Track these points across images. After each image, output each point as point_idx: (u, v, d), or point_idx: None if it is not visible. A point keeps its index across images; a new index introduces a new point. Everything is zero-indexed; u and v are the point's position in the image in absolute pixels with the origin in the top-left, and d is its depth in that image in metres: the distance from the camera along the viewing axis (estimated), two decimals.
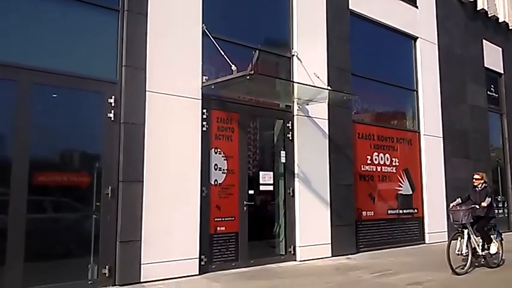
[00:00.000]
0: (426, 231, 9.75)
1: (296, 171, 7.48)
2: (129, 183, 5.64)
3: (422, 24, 10.30)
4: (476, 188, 7.20)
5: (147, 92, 5.88)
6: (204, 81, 6.47)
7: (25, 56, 5.17)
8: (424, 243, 9.66)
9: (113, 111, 5.66)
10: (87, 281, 5.29)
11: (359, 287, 5.65)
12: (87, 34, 5.70)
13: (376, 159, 9.08)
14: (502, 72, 12.90)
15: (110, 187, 5.52)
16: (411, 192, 9.69)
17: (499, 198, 12.29)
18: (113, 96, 5.68)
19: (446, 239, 9.93)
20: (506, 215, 12.41)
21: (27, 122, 5.07)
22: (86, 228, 5.53)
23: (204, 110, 6.51)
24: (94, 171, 5.58)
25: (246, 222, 6.80)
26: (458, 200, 7.13)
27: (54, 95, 5.45)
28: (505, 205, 12.47)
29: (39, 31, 5.36)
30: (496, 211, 11.79)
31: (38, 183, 5.10)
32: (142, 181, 5.72)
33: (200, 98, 6.42)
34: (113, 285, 5.39)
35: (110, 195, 5.51)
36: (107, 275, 5.38)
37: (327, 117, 8.02)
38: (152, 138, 5.85)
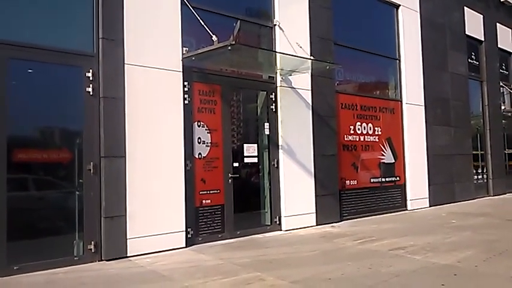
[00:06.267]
0: (408, 198, 9.96)
1: (280, 143, 7.49)
2: (111, 158, 5.57)
3: None
4: None
5: (125, 65, 5.73)
6: (184, 52, 6.33)
7: None
8: (406, 209, 9.88)
9: (91, 86, 5.51)
10: (73, 257, 5.27)
11: (343, 254, 5.78)
12: (62, 6, 5.48)
13: (359, 129, 9.13)
14: (483, 39, 12.97)
15: (91, 163, 5.44)
16: (393, 161, 9.83)
17: (478, 164, 12.59)
18: (91, 70, 5.52)
19: (428, 205, 10.28)
20: (485, 181, 12.74)
21: (3, 98, 4.90)
22: (69, 205, 5.46)
23: (186, 83, 6.39)
24: (75, 148, 5.48)
25: (231, 195, 6.82)
26: None
27: (30, 70, 5.27)
28: (484, 171, 12.79)
29: (12, 3, 5.12)
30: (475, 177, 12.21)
31: (17, 160, 4.98)
32: (125, 156, 5.64)
33: (181, 70, 6.30)
34: (99, 261, 5.40)
35: (92, 171, 5.44)
36: (93, 250, 5.38)
37: (310, 88, 7.98)
38: (133, 113, 5.75)
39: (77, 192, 5.44)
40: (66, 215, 5.44)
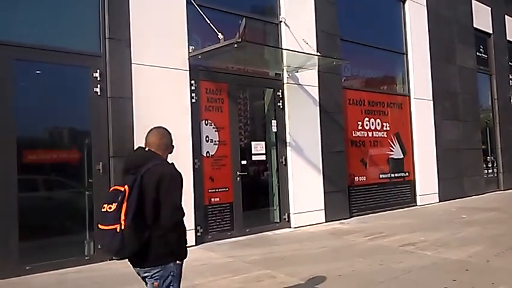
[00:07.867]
0: (418, 193, 9.89)
1: (288, 140, 7.47)
2: (120, 158, 5.56)
3: None
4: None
5: (132, 65, 5.74)
6: (190, 51, 6.32)
7: (5, 31, 4.99)
8: (416, 205, 9.81)
9: (99, 86, 5.53)
10: (84, 256, 5.30)
11: (353, 250, 5.76)
12: (68, 6, 5.51)
13: (367, 125, 9.08)
14: (491, 32, 12.80)
15: (101, 163, 5.47)
16: (402, 156, 9.77)
17: (488, 158, 12.48)
18: (98, 70, 5.54)
19: (438, 201, 10.20)
20: (495, 175, 12.62)
21: (11, 100, 4.93)
22: (79, 205, 5.50)
23: (193, 81, 6.39)
24: (84, 148, 5.51)
25: (239, 192, 6.82)
26: None
27: (38, 71, 5.30)
28: (494, 165, 12.66)
29: (18, 5, 5.15)
30: (485, 171, 12.05)
31: (27, 162, 5.02)
32: None
33: (187, 69, 6.30)
34: (110, 260, 5.42)
35: (101, 171, 5.46)
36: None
37: (317, 84, 7.94)
38: (141, 112, 5.76)
39: (87, 192, 5.47)
40: (76, 215, 5.48)
